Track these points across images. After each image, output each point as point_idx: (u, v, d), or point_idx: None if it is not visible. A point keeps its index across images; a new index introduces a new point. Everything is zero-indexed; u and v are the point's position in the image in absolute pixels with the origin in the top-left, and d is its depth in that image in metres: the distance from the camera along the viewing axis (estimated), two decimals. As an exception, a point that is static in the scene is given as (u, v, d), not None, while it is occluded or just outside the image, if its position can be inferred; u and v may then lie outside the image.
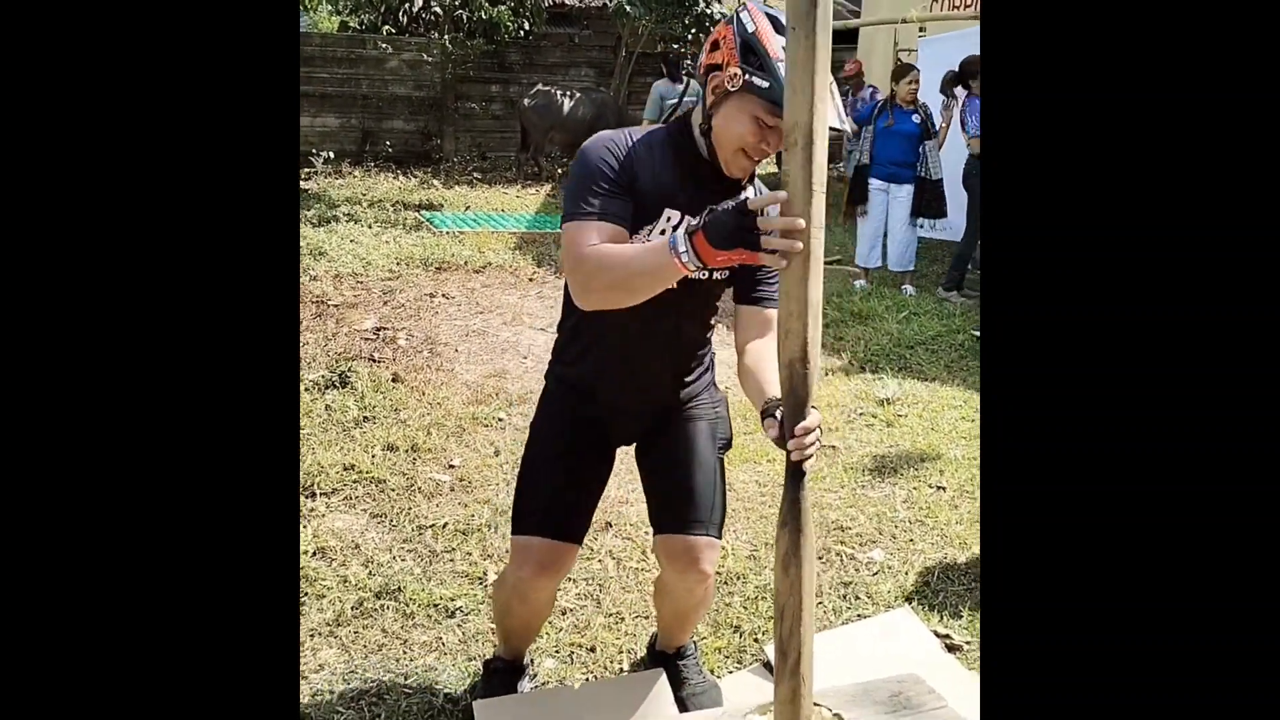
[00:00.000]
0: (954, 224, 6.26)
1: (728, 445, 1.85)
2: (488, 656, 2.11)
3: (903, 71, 5.81)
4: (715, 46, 1.53)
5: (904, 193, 5.80)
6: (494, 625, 2.12)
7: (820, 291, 1.34)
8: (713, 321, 1.81)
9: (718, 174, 1.59)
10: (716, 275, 1.67)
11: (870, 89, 6.14)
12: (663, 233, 1.59)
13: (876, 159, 5.82)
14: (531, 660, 2.06)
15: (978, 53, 5.72)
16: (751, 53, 1.47)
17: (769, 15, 1.49)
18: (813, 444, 1.39)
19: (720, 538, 1.77)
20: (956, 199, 6.00)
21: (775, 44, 1.45)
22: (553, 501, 1.73)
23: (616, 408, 1.77)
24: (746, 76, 1.46)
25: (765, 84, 1.45)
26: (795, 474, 1.40)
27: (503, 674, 1.97)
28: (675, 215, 1.60)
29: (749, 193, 1.66)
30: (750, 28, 1.47)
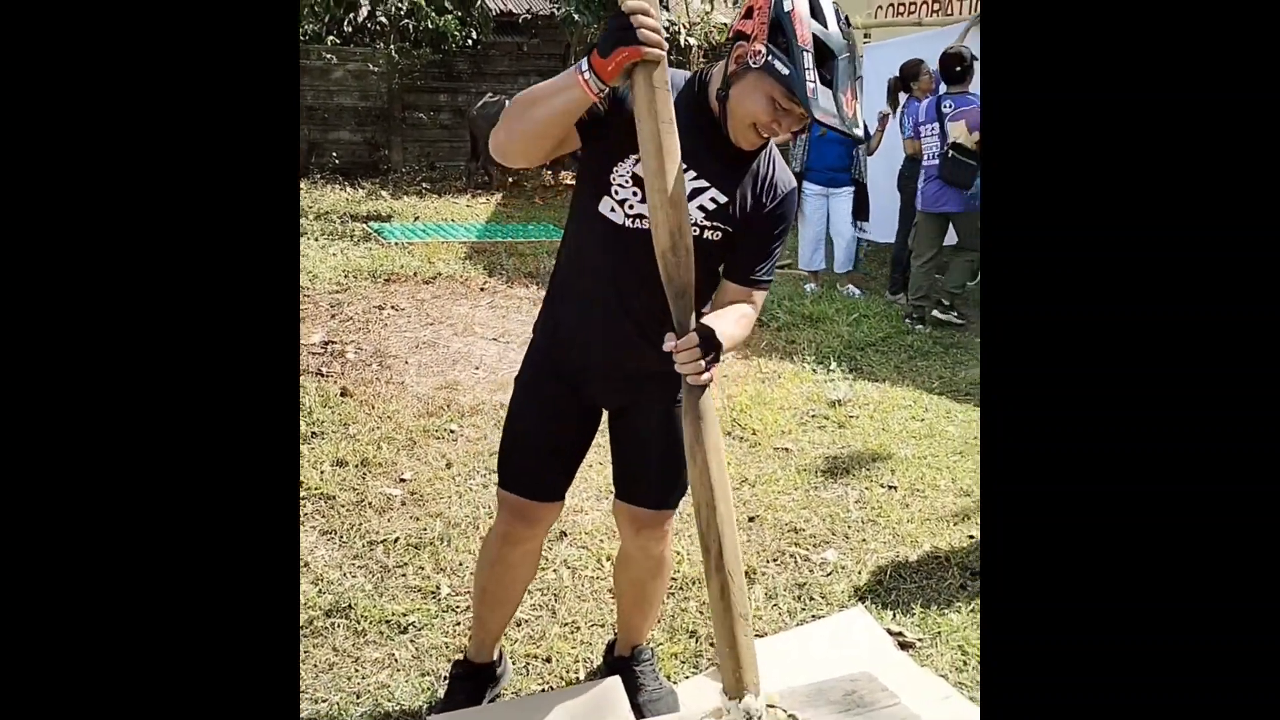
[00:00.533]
0: (888, 226, 6.35)
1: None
2: (446, 669, 2.09)
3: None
4: (749, 14, 1.50)
5: (844, 195, 5.88)
6: (469, 618, 2.13)
7: (682, 185, 1.42)
8: (704, 310, 1.76)
9: (724, 140, 1.56)
10: (708, 235, 1.60)
11: None
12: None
13: (812, 165, 5.88)
14: (501, 657, 2.03)
15: (919, 57, 5.83)
16: (780, 33, 1.44)
17: None
18: (692, 360, 1.43)
19: (677, 507, 1.84)
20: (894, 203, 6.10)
21: (806, 29, 1.44)
22: (528, 461, 1.77)
23: (594, 372, 1.74)
24: (769, 58, 1.44)
25: (786, 71, 1.43)
26: (693, 395, 1.47)
27: (463, 680, 1.96)
28: None
29: (760, 160, 1.62)
30: (786, 6, 1.44)
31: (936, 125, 5.24)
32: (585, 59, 1.40)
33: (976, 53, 5.18)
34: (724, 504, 1.46)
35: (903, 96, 5.89)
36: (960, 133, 5.05)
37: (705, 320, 1.54)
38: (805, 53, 1.43)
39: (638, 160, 1.53)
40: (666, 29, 9.90)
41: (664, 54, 1.40)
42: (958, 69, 5.16)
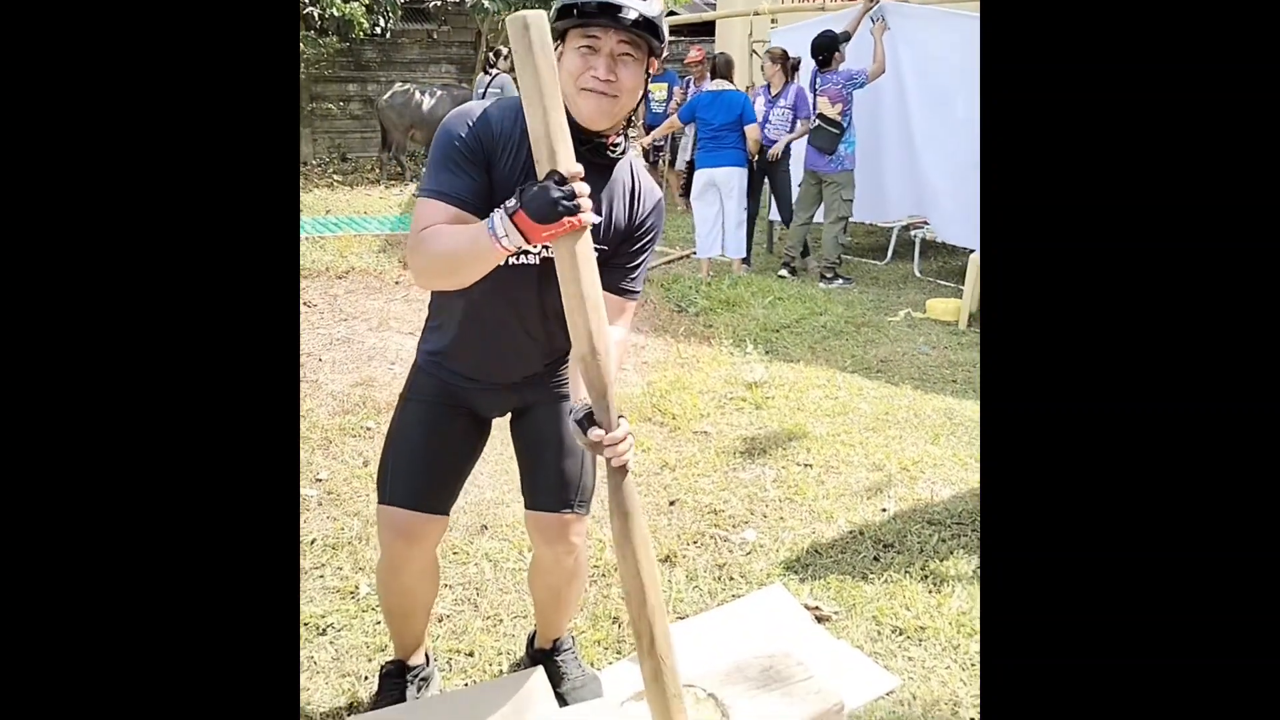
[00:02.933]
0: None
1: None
2: (367, 670, 2.07)
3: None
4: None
5: (732, 175, 5.97)
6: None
7: (597, 284, 1.40)
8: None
9: (582, 139, 1.51)
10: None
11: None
12: None
13: (701, 145, 6.06)
14: (428, 659, 2.01)
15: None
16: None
17: None
18: (627, 449, 1.43)
19: (588, 511, 1.82)
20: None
21: None
22: (412, 473, 1.73)
23: (481, 380, 1.74)
24: (558, 20, 1.47)
25: (565, 3, 1.46)
26: (616, 472, 1.46)
27: (394, 678, 1.94)
28: None
29: (623, 171, 1.63)
30: None
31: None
32: (506, 217, 1.34)
33: (859, 33, 5.92)
34: (654, 595, 1.47)
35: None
36: (824, 105, 5.80)
37: (579, 401, 1.52)
38: None
39: None
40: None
41: (596, 219, 1.40)
42: (822, 56, 5.81)
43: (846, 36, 5.87)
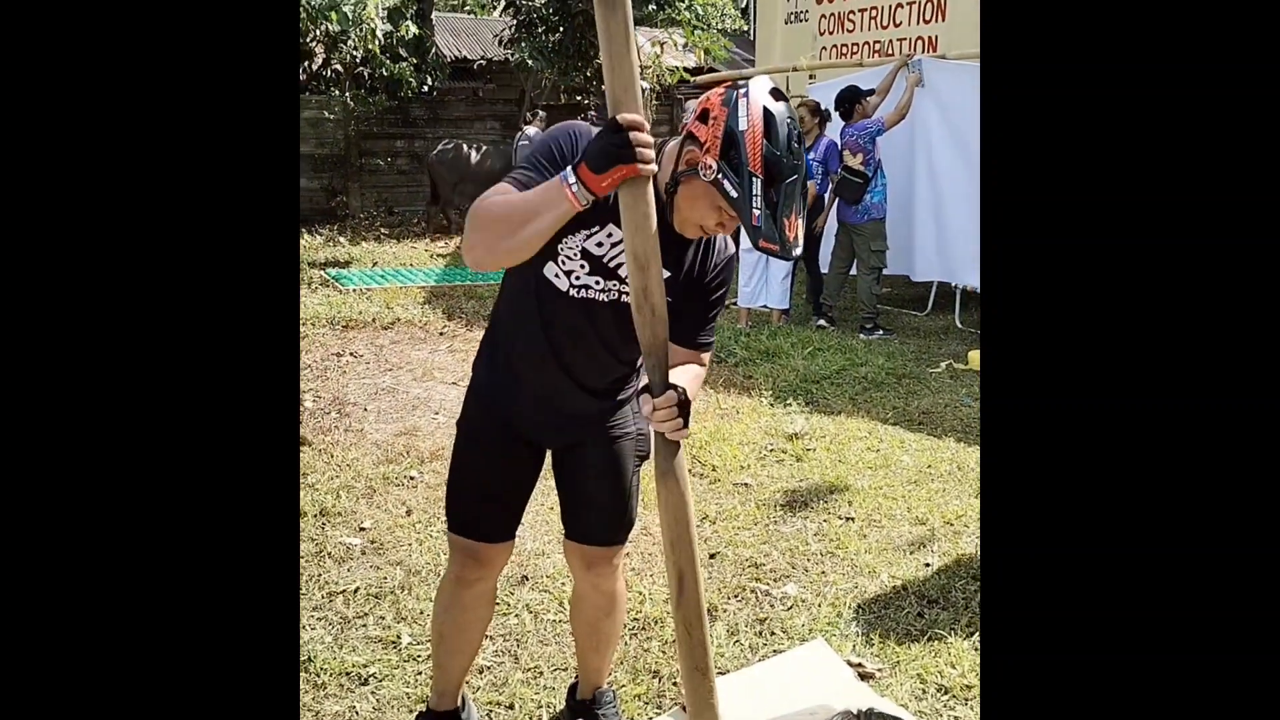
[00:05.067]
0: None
1: (647, 456, 1.88)
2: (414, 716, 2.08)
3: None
4: (703, 117, 1.48)
5: None
6: (430, 667, 2.12)
7: (654, 239, 1.44)
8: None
9: (665, 222, 1.55)
10: None
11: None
12: (599, 244, 1.58)
13: None
14: (465, 703, 2.02)
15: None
16: (733, 148, 1.43)
17: (766, 110, 1.44)
18: (671, 418, 1.47)
19: (626, 542, 1.89)
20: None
21: (759, 152, 1.42)
22: (474, 505, 1.80)
23: (531, 415, 1.76)
24: (719, 175, 1.44)
25: (734, 194, 1.43)
26: (667, 443, 1.52)
27: None
28: (618, 234, 1.53)
29: (718, 237, 1.66)
30: (742, 125, 1.43)
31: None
32: (571, 170, 1.39)
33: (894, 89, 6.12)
34: (691, 539, 1.58)
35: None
36: (847, 156, 5.93)
37: (673, 374, 1.57)
38: (755, 179, 1.42)
39: (588, 235, 1.57)
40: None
41: (655, 169, 1.41)
42: (844, 108, 6.01)
43: (871, 91, 6.01)
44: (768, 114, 1.44)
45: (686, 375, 1.63)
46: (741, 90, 1.47)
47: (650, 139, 1.38)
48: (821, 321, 6.15)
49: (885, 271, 6.18)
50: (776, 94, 1.48)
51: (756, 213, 1.43)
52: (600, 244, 1.59)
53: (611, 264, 1.61)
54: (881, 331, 5.96)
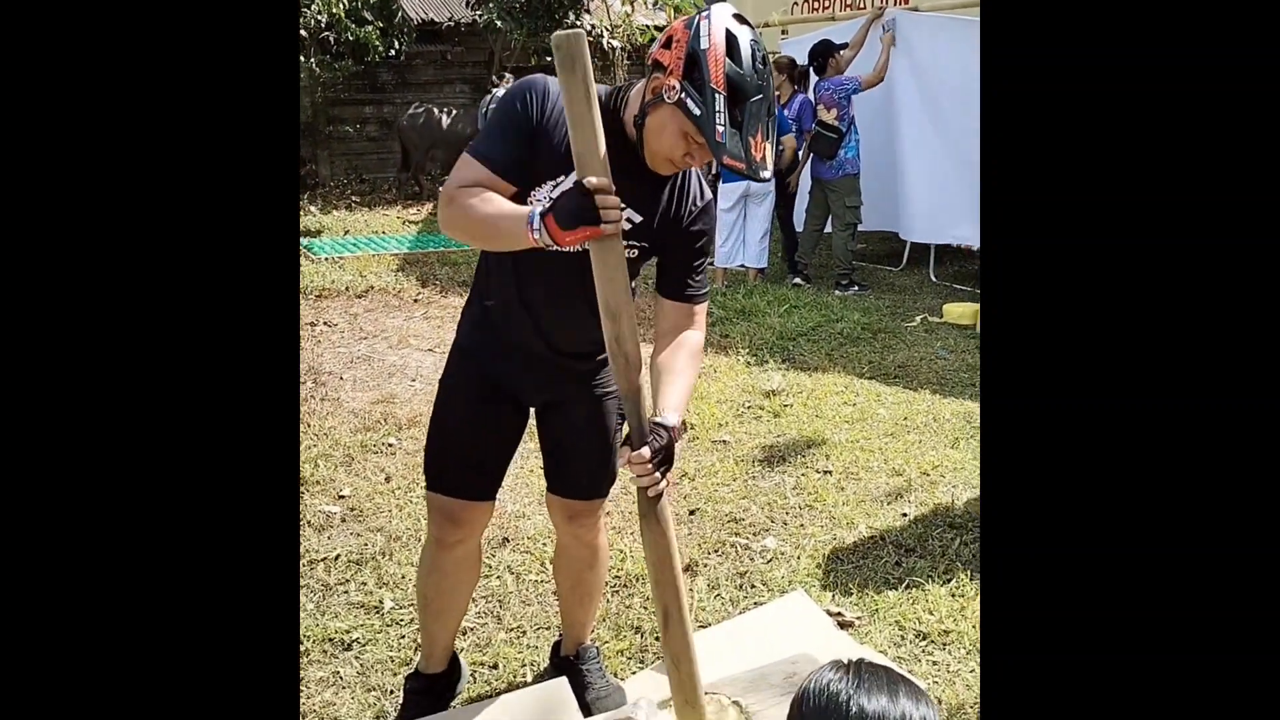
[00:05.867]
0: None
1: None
2: (392, 685, 2.09)
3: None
4: (668, 44, 1.48)
5: (764, 197, 6.02)
6: (414, 630, 2.15)
7: (626, 291, 1.46)
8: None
9: (640, 161, 1.56)
10: (626, 254, 1.56)
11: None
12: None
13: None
14: (456, 663, 2.03)
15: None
16: (695, 68, 1.43)
17: (728, 31, 1.44)
18: (647, 475, 1.47)
19: (608, 495, 1.91)
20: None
21: (720, 69, 1.42)
22: (454, 462, 1.78)
23: (515, 372, 1.75)
24: (682, 94, 1.43)
25: (698, 112, 1.43)
26: (647, 500, 1.52)
27: (418, 695, 1.95)
28: None
29: (679, 180, 1.65)
30: (704, 44, 1.43)
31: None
32: (538, 217, 1.41)
33: (868, 44, 6.12)
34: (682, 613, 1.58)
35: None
36: (821, 111, 5.88)
37: (663, 388, 1.57)
38: (718, 94, 1.41)
39: (555, 184, 1.56)
40: (589, 32, 9.82)
41: (621, 229, 1.43)
42: (817, 62, 5.98)
43: (844, 45, 5.99)
44: (730, 34, 1.44)
45: (679, 367, 1.61)
46: (704, 14, 1.47)
47: (616, 200, 1.40)
48: (797, 280, 6.15)
49: (868, 228, 6.18)
50: (740, 18, 1.48)
51: (720, 129, 1.42)
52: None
53: None
54: (857, 288, 5.98)
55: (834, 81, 5.85)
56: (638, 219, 1.61)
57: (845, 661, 1.11)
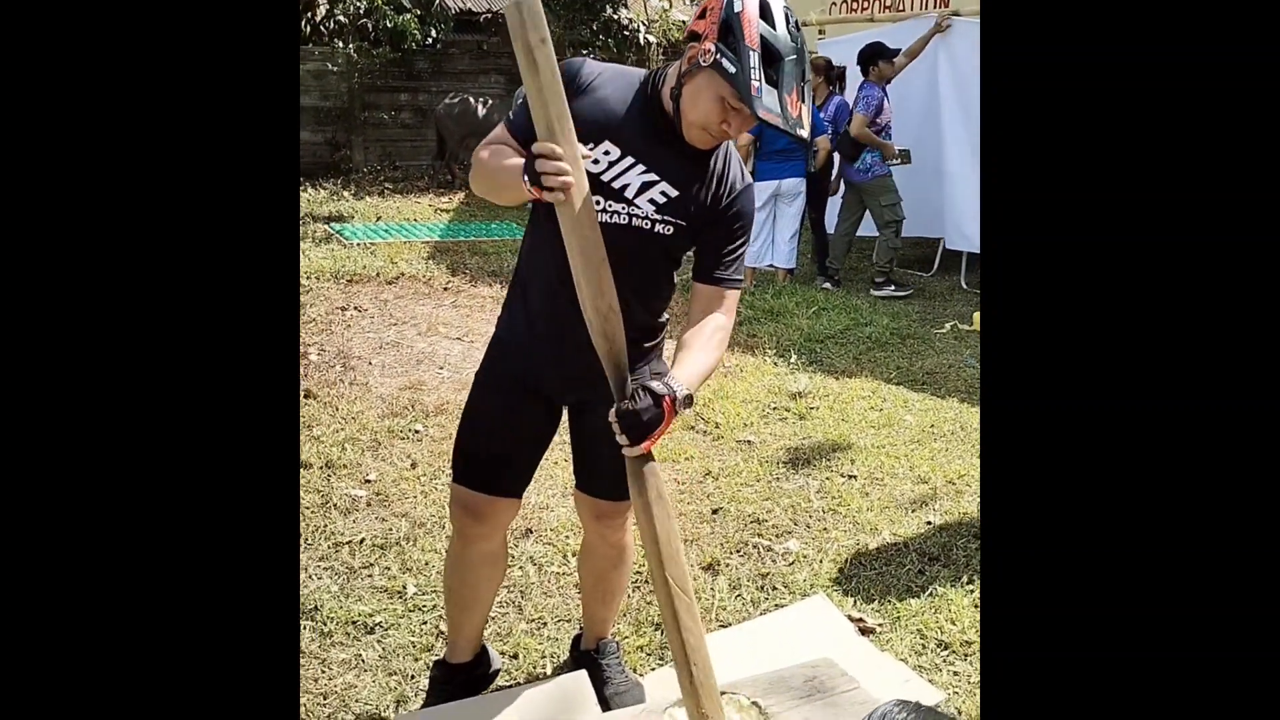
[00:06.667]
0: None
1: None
2: (414, 669, 2.11)
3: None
4: (702, 14, 1.52)
5: (794, 199, 6.00)
6: (435, 617, 2.16)
7: (596, 248, 1.49)
8: (666, 300, 1.79)
9: (679, 137, 1.58)
10: (659, 229, 1.63)
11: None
12: (595, 162, 1.57)
13: (760, 158, 6.04)
14: (485, 654, 2.03)
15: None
16: (730, 32, 1.47)
17: None
18: (628, 438, 1.49)
19: None
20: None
21: (754, 29, 1.46)
22: (482, 455, 1.78)
23: (549, 369, 1.75)
24: (718, 56, 1.47)
25: (733, 70, 1.46)
26: (631, 460, 1.53)
27: (442, 684, 1.97)
28: (615, 152, 1.59)
29: (719, 164, 1.65)
30: (737, 7, 1.47)
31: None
32: (525, 166, 1.47)
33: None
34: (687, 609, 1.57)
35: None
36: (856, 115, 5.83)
37: (675, 363, 1.58)
38: (752, 52, 1.45)
39: (605, 156, 1.59)
40: (625, 27, 9.80)
41: (565, 195, 1.45)
42: (862, 64, 5.89)
43: (898, 52, 5.90)
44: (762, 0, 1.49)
45: (696, 346, 1.61)
46: None
47: (556, 165, 1.42)
48: (826, 284, 6.11)
49: (908, 234, 6.04)
50: None
51: (755, 84, 1.45)
52: (597, 162, 1.58)
53: (614, 184, 1.60)
54: (893, 287, 5.92)
55: (868, 89, 5.81)
56: (673, 193, 1.61)
57: (913, 702, 1.12)
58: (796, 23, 1.53)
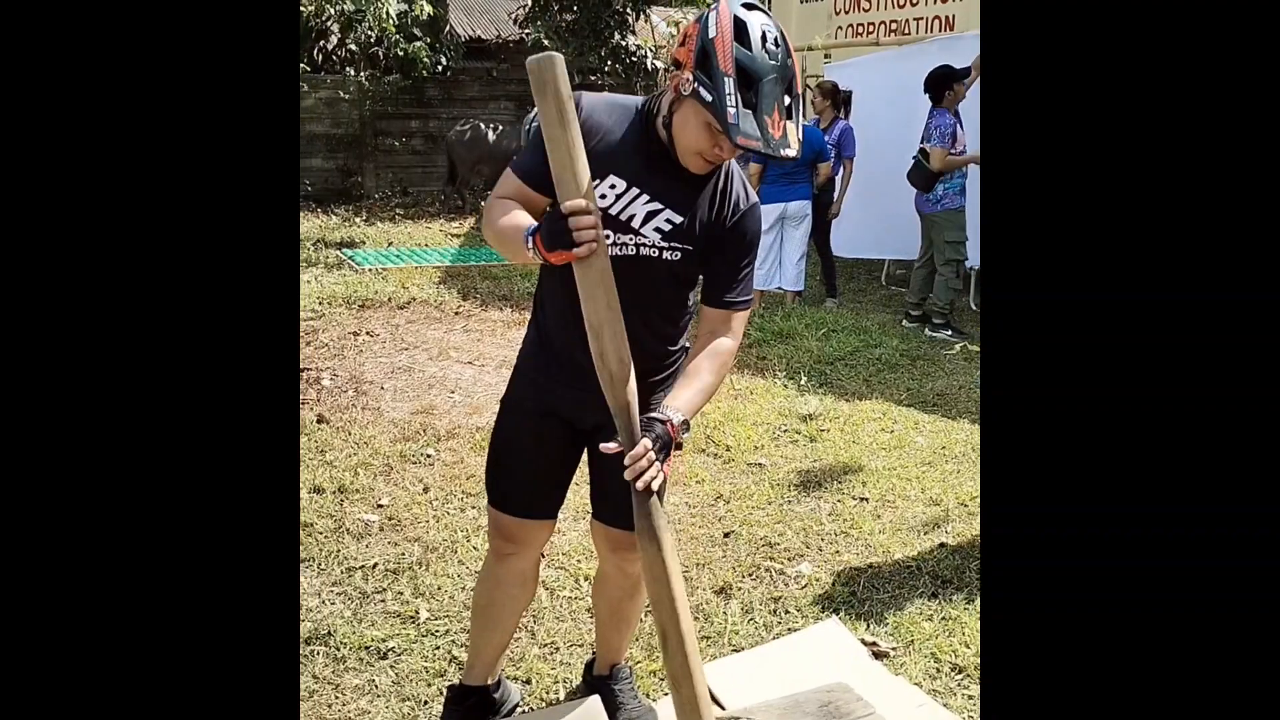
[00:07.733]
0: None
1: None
2: (427, 694, 2.10)
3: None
4: (683, 42, 1.52)
5: (800, 220, 5.97)
6: (449, 642, 2.16)
7: (614, 309, 1.49)
8: (682, 327, 1.80)
9: (676, 163, 1.59)
10: (667, 255, 1.63)
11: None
12: (602, 197, 1.58)
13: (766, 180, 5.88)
14: (501, 683, 2.04)
15: (879, 77, 5.96)
16: (706, 59, 1.46)
17: (736, 18, 1.47)
18: (645, 468, 1.48)
19: None
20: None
21: (729, 54, 1.44)
22: (510, 478, 1.81)
23: (568, 392, 1.75)
24: (695, 85, 1.46)
25: (709, 98, 1.45)
26: (639, 494, 1.52)
27: (454, 705, 1.96)
28: (621, 184, 1.60)
29: (722, 184, 1.66)
30: (711, 33, 1.46)
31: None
32: (530, 236, 1.48)
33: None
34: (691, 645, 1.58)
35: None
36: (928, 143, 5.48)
37: (676, 388, 1.61)
38: (727, 78, 1.44)
39: (611, 190, 1.60)
40: (633, 52, 9.81)
41: (597, 248, 1.46)
42: (933, 92, 5.46)
43: (966, 72, 5.45)
44: (737, 20, 1.47)
45: (698, 371, 1.63)
46: (712, 7, 1.51)
47: (590, 220, 1.43)
48: (907, 323, 5.76)
49: (965, 261, 5.72)
50: (749, 6, 1.50)
51: (731, 110, 1.44)
52: (604, 196, 1.59)
53: (621, 216, 1.61)
54: (950, 332, 5.46)
55: (939, 116, 5.40)
56: (678, 219, 1.62)
57: None
58: (778, 39, 1.49)
